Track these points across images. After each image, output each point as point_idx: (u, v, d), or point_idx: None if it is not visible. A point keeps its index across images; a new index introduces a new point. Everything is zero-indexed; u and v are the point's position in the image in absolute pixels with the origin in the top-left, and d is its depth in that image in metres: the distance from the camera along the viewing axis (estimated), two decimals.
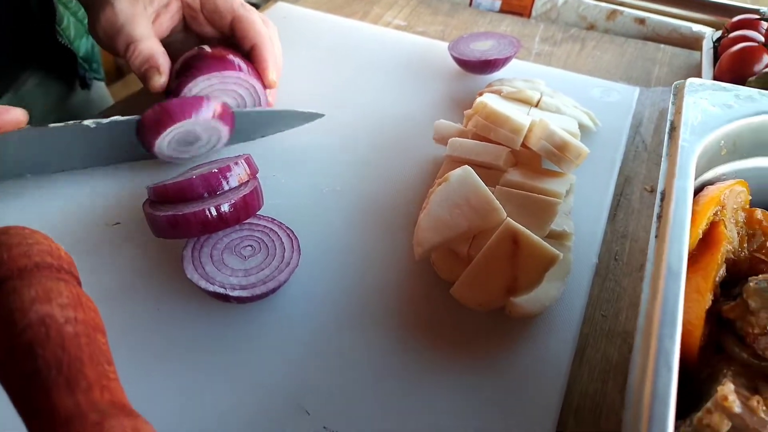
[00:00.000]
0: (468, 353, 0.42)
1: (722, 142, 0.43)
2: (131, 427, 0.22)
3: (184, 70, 0.53)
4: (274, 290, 0.43)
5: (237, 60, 0.55)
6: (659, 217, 0.35)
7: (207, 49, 0.55)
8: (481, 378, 0.41)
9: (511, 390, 0.40)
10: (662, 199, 0.36)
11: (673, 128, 0.42)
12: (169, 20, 0.56)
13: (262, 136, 0.60)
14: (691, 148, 0.40)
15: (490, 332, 0.43)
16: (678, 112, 0.43)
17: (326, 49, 0.74)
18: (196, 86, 0.53)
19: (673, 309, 0.29)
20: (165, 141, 0.52)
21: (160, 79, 0.53)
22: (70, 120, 0.50)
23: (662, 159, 0.40)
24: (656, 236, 0.34)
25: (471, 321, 0.44)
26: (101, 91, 0.82)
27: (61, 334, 0.24)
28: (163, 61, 0.54)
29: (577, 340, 0.44)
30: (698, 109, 0.43)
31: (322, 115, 0.60)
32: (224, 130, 0.54)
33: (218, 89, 0.54)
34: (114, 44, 0.53)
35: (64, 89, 0.74)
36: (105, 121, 0.50)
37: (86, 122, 0.50)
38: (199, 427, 0.38)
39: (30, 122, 0.67)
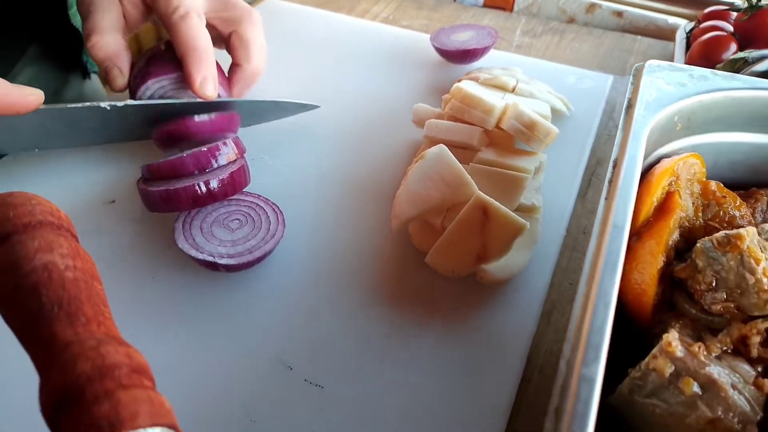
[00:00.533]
0: (441, 316, 0.45)
1: (676, 117, 0.46)
2: (124, 352, 0.25)
3: (142, 70, 0.54)
4: (260, 259, 0.46)
5: None
6: (610, 181, 0.38)
7: (162, 47, 0.55)
8: (453, 337, 0.44)
9: (481, 348, 0.43)
10: (614, 167, 0.39)
11: (630, 105, 0.45)
12: (138, 13, 0.57)
13: (258, 123, 0.62)
14: (644, 122, 0.43)
15: (462, 297, 0.46)
16: (635, 90, 0.46)
17: (314, 42, 0.77)
18: (148, 90, 0.54)
19: (615, 257, 0.32)
20: (179, 147, 0.54)
21: (122, 81, 0.54)
22: None
23: (617, 132, 0.43)
24: (606, 198, 0.37)
25: (444, 287, 0.47)
26: (96, 85, 0.85)
27: (62, 277, 0.27)
28: (125, 61, 0.54)
29: (544, 305, 0.47)
30: (654, 87, 0.46)
31: (318, 107, 0.63)
32: (231, 135, 0.56)
33: (172, 89, 0.55)
34: (83, 28, 0.55)
35: (59, 81, 0.76)
36: (120, 104, 0.52)
37: (102, 104, 0.52)
38: (187, 382, 0.41)
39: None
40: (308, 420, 0.39)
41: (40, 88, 0.75)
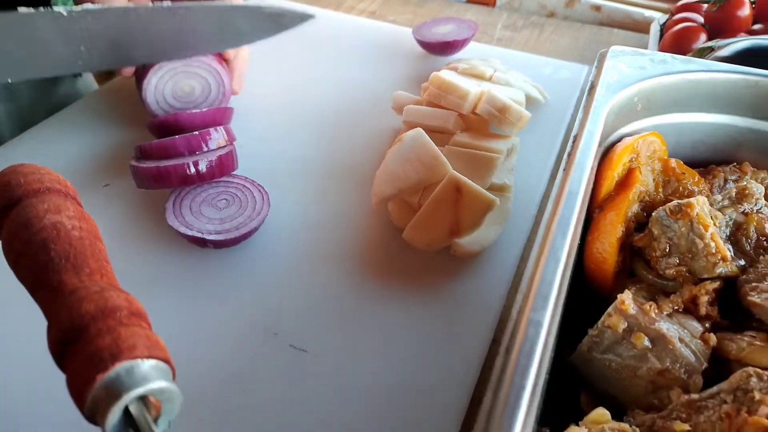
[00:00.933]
0: (417, 286, 0.48)
1: (636, 98, 0.49)
2: (124, 298, 0.28)
3: None
4: (246, 236, 0.49)
5: None
6: (569, 154, 0.41)
7: None
8: (428, 306, 0.47)
9: (454, 315, 0.46)
10: (574, 142, 0.42)
11: (592, 87, 0.48)
12: None
13: (248, 42, 0.60)
14: (604, 101, 0.46)
15: (437, 269, 0.49)
16: (598, 73, 0.49)
17: (301, 37, 0.80)
18: (161, 70, 0.57)
19: (568, 219, 0.35)
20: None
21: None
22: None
23: (579, 111, 0.46)
24: (564, 169, 0.40)
25: (420, 260, 0.50)
26: (88, 82, 0.87)
27: (69, 235, 0.30)
28: None
29: (515, 277, 0.50)
30: (616, 70, 0.49)
31: (313, 16, 0.59)
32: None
33: (182, 72, 0.58)
34: None
35: (52, 79, 0.78)
36: (77, 9, 0.48)
37: (57, 8, 0.48)
38: (178, 347, 0.43)
39: (20, 114, 0.70)
40: (292, 380, 0.42)
41: (35, 86, 0.77)
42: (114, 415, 0.22)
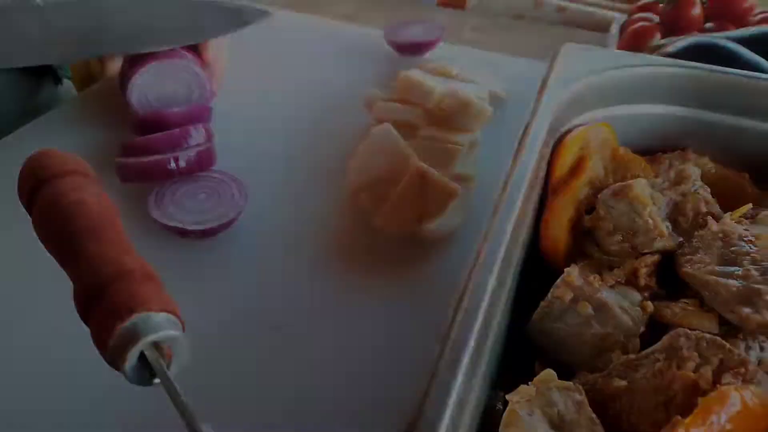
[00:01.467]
0: (387, 269, 0.52)
1: (587, 91, 0.53)
2: (140, 262, 0.31)
3: (138, 58, 0.60)
4: (225, 226, 0.52)
5: (182, 50, 0.62)
6: (519, 141, 0.45)
7: None
8: (399, 285, 0.50)
9: (423, 293, 0.50)
10: (525, 129, 0.46)
11: (545, 80, 0.52)
12: None
13: (210, 37, 0.61)
14: (554, 93, 0.50)
15: (407, 253, 0.53)
16: (551, 68, 0.53)
17: (277, 40, 0.83)
18: (147, 72, 0.60)
19: (515, 197, 0.39)
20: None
21: (115, 63, 0.61)
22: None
23: (533, 102, 0.49)
24: (515, 153, 0.43)
25: (391, 245, 0.54)
26: (69, 89, 0.89)
27: (91, 210, 0.33)
28: None
29: None
30: (567, 65, 0.53)
31: (271, 13, 0.62)
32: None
33: (167, 75, 0.61)
34: None
35: (33, 85, 0.80)
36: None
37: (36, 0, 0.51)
38: None
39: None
40: (268, 357, 0.45)
41: (16, 93, 0.79)
42: (132, 358, 0.26)
